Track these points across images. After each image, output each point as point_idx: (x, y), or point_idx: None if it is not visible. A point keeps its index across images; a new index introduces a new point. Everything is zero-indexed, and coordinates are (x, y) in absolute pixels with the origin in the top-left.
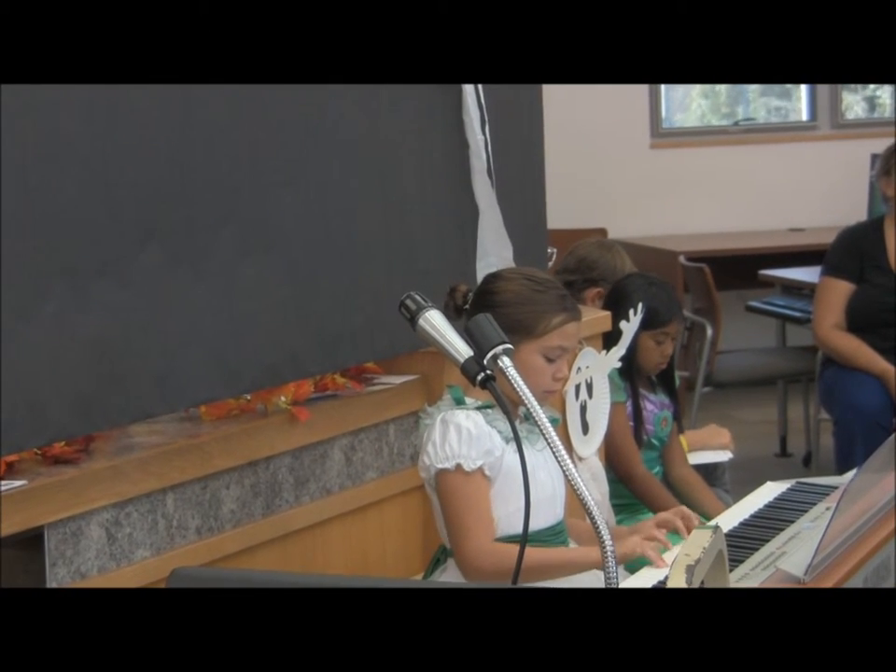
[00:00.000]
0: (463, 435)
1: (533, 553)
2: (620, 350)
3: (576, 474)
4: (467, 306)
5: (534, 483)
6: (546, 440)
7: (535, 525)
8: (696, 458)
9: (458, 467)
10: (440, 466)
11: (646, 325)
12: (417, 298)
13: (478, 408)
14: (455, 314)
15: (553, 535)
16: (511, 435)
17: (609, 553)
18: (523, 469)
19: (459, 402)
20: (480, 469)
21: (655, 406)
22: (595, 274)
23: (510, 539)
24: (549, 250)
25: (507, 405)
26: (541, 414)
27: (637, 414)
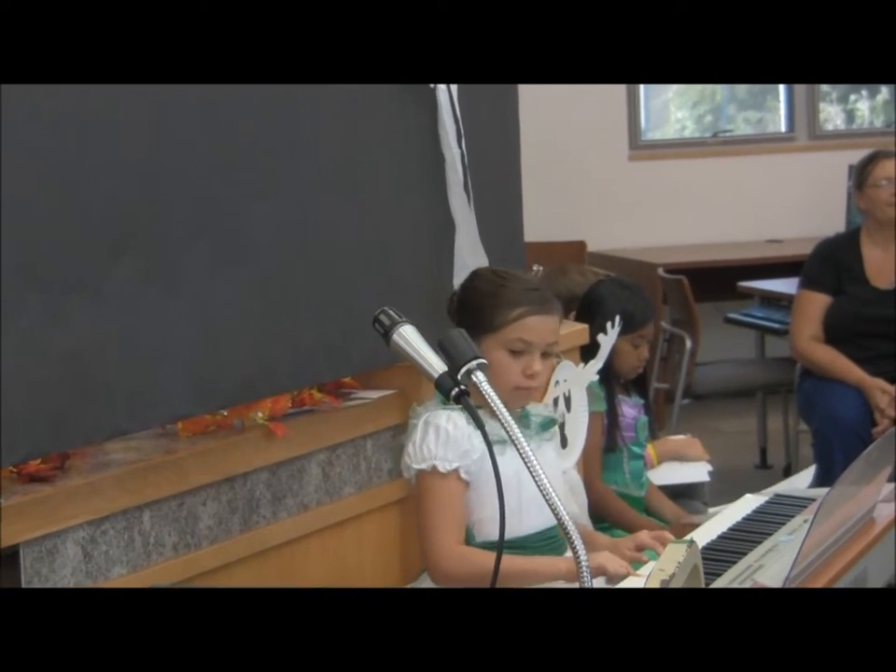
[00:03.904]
0: (441, 436)
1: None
2: (598, 363)
3: (547, 483)
4: (457, 308)
5: (520, 486)
6: (519, 452)
7: (522, 529)
8: (675, 478)
9: (434, 468)
10: (416, 466)
11: (622, 329)
12: (391, 313)
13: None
14: (452, 318)
15: (544, 540)
16: (499, 437)
17: (583, 567)
18: (497, 478)
19: (446, 402)
20: (455, 472)
21: (634, 411)
22: None
23: (489, 546)
24: (535, 267)
25: (480, 420)
26: (515, 429)
27: (613, 420)
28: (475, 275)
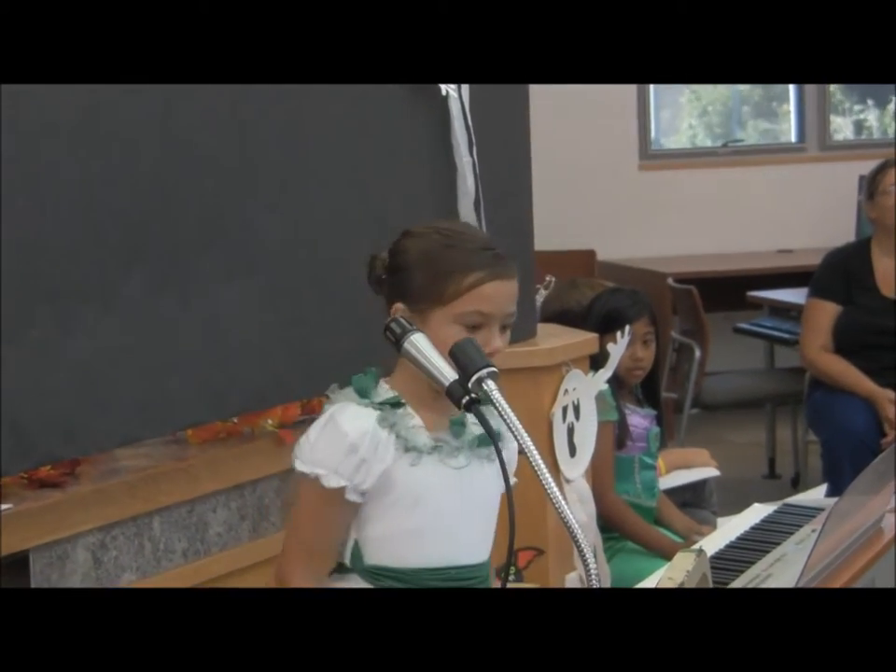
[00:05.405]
0: (337, 442)
1: None
2: (607, 372)
3: (559, 494)
4: (385, 275)
5: (432, 508)
6: (531, 463)
7: (419, 559)
8: (684, 477)
9: (318, 478)
10: (300, 468)
11: (606, 328)
12: (402, 321)
13: (383, 403)
14: (377, 286)
15: (442, 580)
16: (421, 447)
17: (593, 578)
18: (509, 497)
19: (362, 393)
20: (341, 490)
21: (646, 421)
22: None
23: (381, 571)
24: (547, 278)
25: (492, 430)
26: (527, 438)
27: (623, 428)
28: (408, 234)
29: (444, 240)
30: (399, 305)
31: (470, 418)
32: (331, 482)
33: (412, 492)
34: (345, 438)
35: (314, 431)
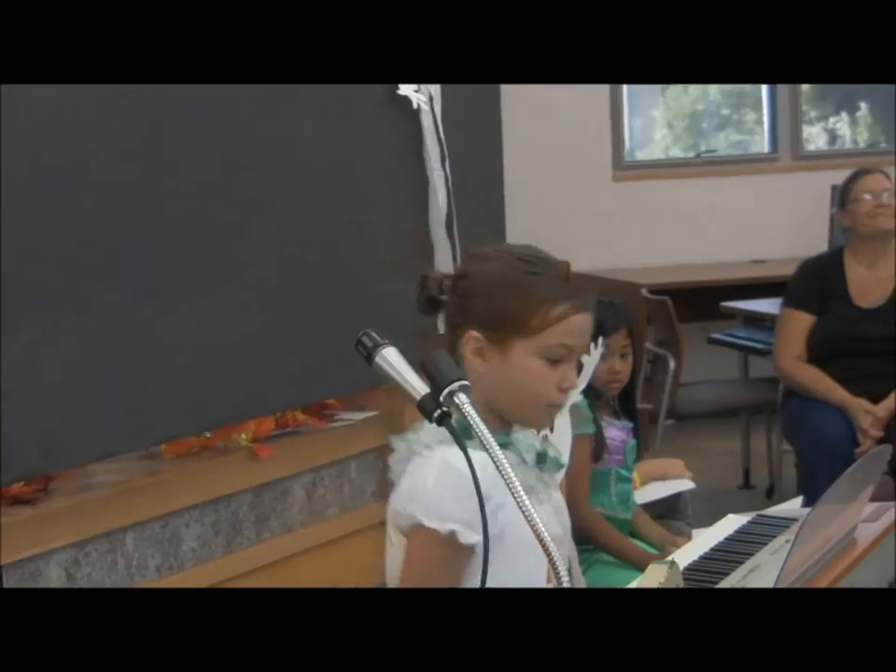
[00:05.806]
0: (467, 491)
1: None
2: (581, 383)
3: (531, 507)
4: (444, 296)
5: (537, 546)
6: (504, 479)
7: None
8: (659, 491)
9: (453, 535)
10: (428, 524)
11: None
12: (373, 335)
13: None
14: (429, 307)
15: None
16: (526, 485)
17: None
18: (478, 494)
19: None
20: (475, 544)
21: (623, 434)
22: None
23: None
24: None
25: (465, 445)
26: (500, 455)
27: (600, 441)
28: (481, 257)
29: (526, 266)
30: (473, 333)
31: (547, 447)
32: (468, 538)
33: (525, 535)
34: (473, 488)
35: (429, 480)
